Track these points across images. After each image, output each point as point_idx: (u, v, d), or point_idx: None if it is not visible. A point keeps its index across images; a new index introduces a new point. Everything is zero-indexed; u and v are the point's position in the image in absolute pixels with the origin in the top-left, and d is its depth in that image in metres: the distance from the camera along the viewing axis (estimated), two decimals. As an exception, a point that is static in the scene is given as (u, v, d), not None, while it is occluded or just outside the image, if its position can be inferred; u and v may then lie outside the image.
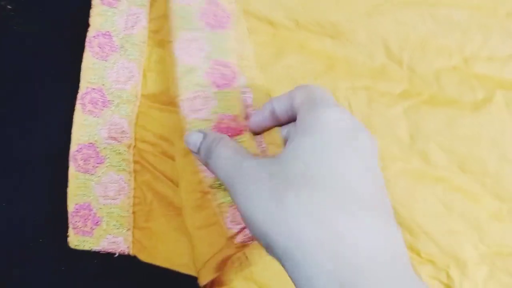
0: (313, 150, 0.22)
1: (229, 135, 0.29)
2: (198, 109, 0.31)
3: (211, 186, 0.31)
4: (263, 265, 0.33)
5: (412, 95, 0.35)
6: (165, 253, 0.34)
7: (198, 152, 0.28)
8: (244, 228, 0.30)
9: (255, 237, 0.23)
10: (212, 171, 0.26)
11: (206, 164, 0.27)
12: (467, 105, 0.35)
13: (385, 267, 0.19)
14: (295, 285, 0.21)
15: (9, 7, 0.37)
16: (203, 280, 0.30)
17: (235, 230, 0.30)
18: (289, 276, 0.21)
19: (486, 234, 0.33)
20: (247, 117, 0.31)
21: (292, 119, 0.27)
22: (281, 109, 0.27)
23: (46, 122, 0.36)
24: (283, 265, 0.21)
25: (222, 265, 0.30)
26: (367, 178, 0.22)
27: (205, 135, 0.28)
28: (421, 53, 0.36)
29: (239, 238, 0.30)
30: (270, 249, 0.22)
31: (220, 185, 0.31)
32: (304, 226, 0.20)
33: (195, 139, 0.28)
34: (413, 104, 0.35)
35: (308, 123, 0.23)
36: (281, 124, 0.28)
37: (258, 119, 0.29)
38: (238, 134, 0.30)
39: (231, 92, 0.32)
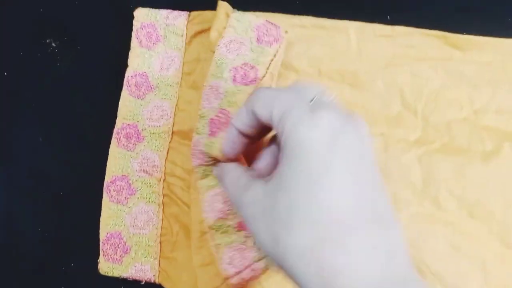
0: (295, 180, 0.22)
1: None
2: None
3: (210, 227, 0.32)
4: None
5: (425, 143, 0.38)
6: (189, 282, 0.36)
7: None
8: (240, 271, 0.32)
9: None
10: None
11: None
12: (476, 154, 0.37)
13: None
14: None
15: (54, 44, 0.40)
16: None
17: (231, 273, 0.31)
18: None
19: (492, 276, 0.35)
20: None
21: (267, 129, 0.27)
22: (246, 127, 0.26)
23: (83, 154, 0.38)
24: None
25: None
26: (353, 194, 0.21)
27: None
28: (434, 104, 0.39)
29: (234, 280, 0.31)
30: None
31: (220, 226, 0.32)
32: (298, 265, 0.21)
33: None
34: (426, 151, 0.38)
35: (289, 146, 0.23)
36: (257, 136, 0.28)
37: (229, 146, 0.28)
38: None
39: None
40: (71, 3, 0.41)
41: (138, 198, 0.37)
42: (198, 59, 0.39)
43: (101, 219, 0.36)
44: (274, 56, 0.36)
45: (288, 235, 0.22)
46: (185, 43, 0.40)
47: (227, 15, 0.36)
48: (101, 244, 0.36)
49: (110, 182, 0.37)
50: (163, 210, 0.37)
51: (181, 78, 0.39)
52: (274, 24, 0.37)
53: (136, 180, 0.37)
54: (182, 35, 0.40)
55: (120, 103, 0.38)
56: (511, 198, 0.36)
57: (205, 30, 0.39)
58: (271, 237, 0.22)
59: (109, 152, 0.37)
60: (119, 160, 0.37)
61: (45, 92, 0.39)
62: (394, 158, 0.37)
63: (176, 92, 0.39)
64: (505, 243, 0.36)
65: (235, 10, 0.37)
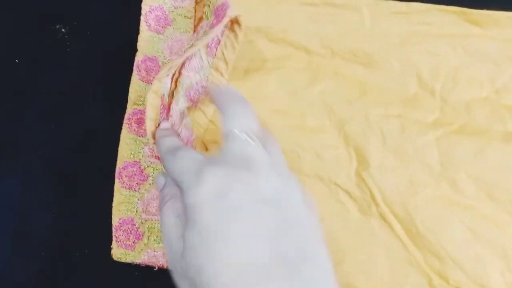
0: (197, 243, 0.23)
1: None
2: None
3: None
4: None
5: (443, 124, 0.37)
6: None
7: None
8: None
9: None
10: None
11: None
12: (497, 135, 0.36)
13: None
14: None
15: (63, 30, 0.40)
16: None
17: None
18: None
19: (514, 263, 0.34)
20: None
21: None
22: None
23: (94, 140, 0.38)
24: None
25: None
26: (254, 245, 0.22)
27: (164, 184, 0.29)
28: (453, 83, 0.37)
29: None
30: None
31: None
32: None
33: (160, 182, 0.29)
34: (444, 133, 0.36)
35: (187, 213, 0.24)
36: None
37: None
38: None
39: None
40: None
41: (150, 184, 0.37)
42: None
43: (114, 205, 0.36)
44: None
45: None
46: (194, 26, 0.39)
47: None
48: (113, 230, 0.36)
49: (122, 168, 0.37)
50: (174, 195, 0.37)
51: (191, 62, 0.39)
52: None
53: (148, 166, 0.37)
54: (191, 18, 0.39)
55: (130, 88, 0.38)
56: (533, 180, 0.35)
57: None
58: None
59: (120, 138, 0.37)
60: (130, 146, 0.37)
61: (55, 78, 0.39)
62: (410, 140, 0.36)
63: (186, 76, 0.38)
64: (527, 227, 0.35)
65: None
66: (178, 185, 0.26)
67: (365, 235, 0.35)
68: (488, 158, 0.36)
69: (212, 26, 0.32)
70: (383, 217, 0.35)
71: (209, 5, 0.36)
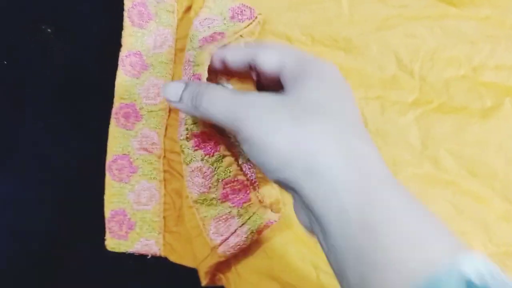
0: (320, 90, 0.24)
1: None
2: None
3: (195, 202, 0.34)
4: (285, 262, 0.35)
5: (423, 103, 0.37)
6: (193, 254, 0.37)
7: (180, 101, 0.28)
8: (226, 239, 0.33)
9: (270, 173, 0.24)
10: (206, 116, 0.27)
11: (195, 112, 0.27)
12: (475, 112, 0.37)
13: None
14: (313, 209, 0.22)
15: (49, 30, 0.41)
16: (203, 281, 0.35)
17: (217, 242, 0.33)
18: (307, 202, 0.22)
19: (495, 235, 0.35)
20: None
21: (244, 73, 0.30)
22: (235, 60, 0.29)
23: (84, 136, 0.39)
24: (299, 192, 0.23)
25: (212, 270, 0.34)
26: (358, 112, 0.25)
27: (187, 84, 0.28)
28: (431, 64, 0.38)
29: (221, 249, 0.33)
30: (287, 179, 0.23)
31: (204, 200, 0.33)
32: (329, 145, 0.22)
33: (175, 87, 0.28)
34: (424, 112, 0.37)
35: (309, 71, 0.25)
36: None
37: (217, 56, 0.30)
38: None
39: None
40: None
41: (140, 175, 0.38)
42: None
43: (105, 197, 0.37)
44: (245, 28, 0.37)
45: (318, 122, 0.23)
46: (177, 20, 0.40)
47: None
48: (106, 221, 0.37)
49: (112, 161, 0.38)
50: (164, 186, 0.38)
51: (175, 55, 0.40)
52: (249, 6, 0.37)
53: (137, 158, 0.38)
54: (173, 12, 0.40)
55: (116, 83, 0.39)
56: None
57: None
58: (298, 124, 0.23)
59: (109, 132, 0.38)
60: (119, 140, 0.38)
61: (44, 78, 0.40)
62: (391, 121, 0.37)
63: (170, 69, 0.39)
64: (508, 200, 0.35)
65: None
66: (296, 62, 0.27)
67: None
68: (467, 134, 0.36)
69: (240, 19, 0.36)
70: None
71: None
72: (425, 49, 0.38)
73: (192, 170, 0.32)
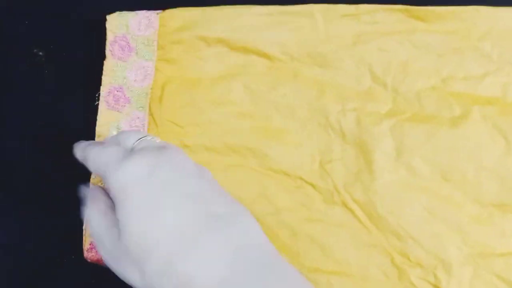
0: (130, 220, 0.26)
1: None
2: None
3: None
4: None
5: (396, 113, 0.39)
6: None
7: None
8: None
9: None
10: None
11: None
12: (445, 120, 0.39)
13: None
14: None
15: (40, 53, 0.43)
16: None
17: None
18: None
19: (469, 237, 0.36)
20: None
21: None
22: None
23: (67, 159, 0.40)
24: None
25: None
26: (182, 210, 0.26)
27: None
28: (403, 76, 0.40)
29: None
30: None
31: None
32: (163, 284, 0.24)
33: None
34: (398, 121, 0.39)
35: (115, 196, 0.27)
36: None
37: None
38: None
39: None
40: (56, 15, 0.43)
41: None
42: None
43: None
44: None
45: (144, 265, 0.25)
46: (157, 49, 0.41)
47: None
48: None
49: None
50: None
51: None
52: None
53: None
54: (153, 45, 0.41)
55: (98, 116, 0.40)
56: (481, 159, 0.38)
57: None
58: (138, 273, 0.26)
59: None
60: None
61: (35, 102, 0.42)
62: (366, 131, 0.39)
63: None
64: (480, 203, 0.37)
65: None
66: (104, 174, 0.28)
67: (331, 223, 0.38)
68: (439, 142, 0.38)
69: None
70: (345, 205, 0.38)
71: None
72: (397, 62, 0.40)
73: None
